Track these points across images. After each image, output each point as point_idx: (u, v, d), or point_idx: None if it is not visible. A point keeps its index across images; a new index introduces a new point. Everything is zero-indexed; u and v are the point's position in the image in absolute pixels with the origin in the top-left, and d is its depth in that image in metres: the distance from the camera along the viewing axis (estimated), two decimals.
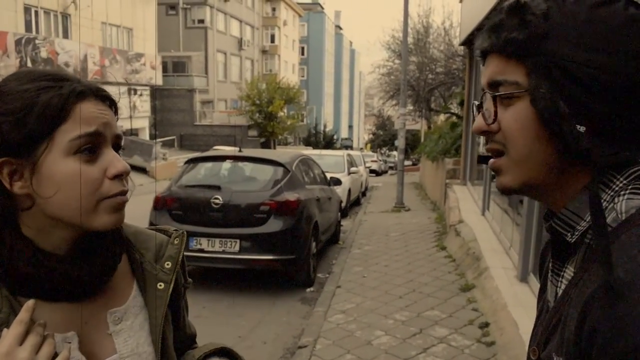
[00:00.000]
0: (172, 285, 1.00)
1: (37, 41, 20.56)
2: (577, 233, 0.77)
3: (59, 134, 0.80)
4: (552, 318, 0.81)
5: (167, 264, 1.01)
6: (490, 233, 7.27)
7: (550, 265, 0.88)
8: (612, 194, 0.74)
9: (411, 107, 26.66)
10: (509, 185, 0.82)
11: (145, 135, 28.68)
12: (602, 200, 0.73)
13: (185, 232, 1.08)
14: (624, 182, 0.74)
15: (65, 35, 23.18)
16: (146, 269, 0.99)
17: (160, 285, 0.99)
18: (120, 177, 0.86)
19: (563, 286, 0.82)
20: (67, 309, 0.85)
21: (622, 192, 0.73)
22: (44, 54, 20.74)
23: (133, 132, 27.01)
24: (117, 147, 0.88)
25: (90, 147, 0.83)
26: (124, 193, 0.87)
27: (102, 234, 0.89)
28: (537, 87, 0.73)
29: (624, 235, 0.69)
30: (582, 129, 0.71)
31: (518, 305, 4.54)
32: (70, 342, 0.84)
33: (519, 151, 0.78)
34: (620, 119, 0.72)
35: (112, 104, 0.90)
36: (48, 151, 0.80)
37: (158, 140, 27.65)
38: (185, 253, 1.10)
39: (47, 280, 0.82)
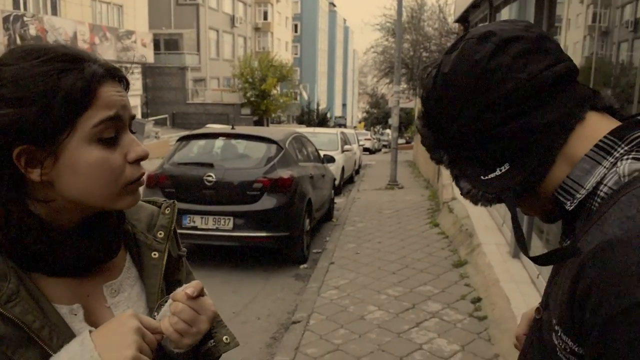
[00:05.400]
0: (166, 255, 0.99)
1: (25, 18, 20.25)
2: (575, 201, 0.78)
3: (82, 120, 0.77)
4: (551, 280, 0.82)
5: (160, 234, 1.01)
6: (483, 210, 7.30)
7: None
8: (612, 160, 0.75)
9: (405, 85, 26.57)
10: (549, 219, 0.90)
11: (137, 114, 28.43)
12: (602, 167, 0.75)
13: (175, 202, 1.07)
14: (625, 148, 0.75)
15: (54, 12, 22.82)
16: (139, 239, 0.99)
17: (154, 255, 0.98)
18: (140, 161, 0.85)
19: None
20: (69, 283, 0.85)
21: (624, 157, 0.74)
22: (32, 31, 20.45)
23: (132, 131, 26.92)
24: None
25: (113, 134, 0.81)
26: (143, 176, 0.87)
27: (108, 211, 0.89)
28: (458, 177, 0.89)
29: (624, 197, 0.70)
30: (505, 167, 0.81)
31: (510, 281, 4.59)
32: (76, 314, 0.84)
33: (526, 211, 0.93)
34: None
35: (126, 85, 0.87)
36: (70, 138, 0.77)
37: (150, 118, 27.44)
38: (179, 231, 1.09)
39: (55, 256, 0.81)
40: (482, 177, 0.83)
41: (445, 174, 10.11)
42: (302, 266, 6.31)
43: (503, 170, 0.81)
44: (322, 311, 4.69)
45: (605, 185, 0.74)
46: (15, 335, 0.74)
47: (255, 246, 6.24)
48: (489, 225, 6.54)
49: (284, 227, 5.89)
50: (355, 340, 4.07)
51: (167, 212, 1.04)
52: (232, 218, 5.78)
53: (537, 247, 4.68)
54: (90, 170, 0.79)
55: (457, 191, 8.49)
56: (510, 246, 5.36)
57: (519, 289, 4.39)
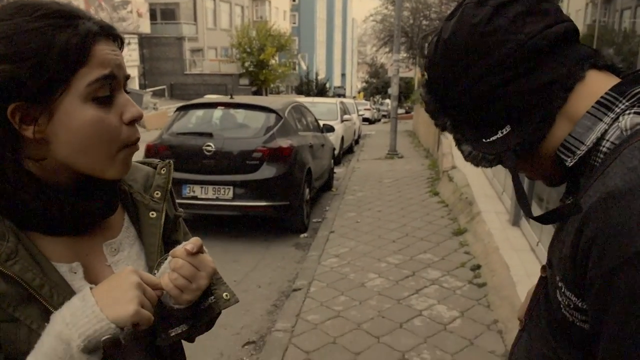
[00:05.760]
0: (163, 214, 1.00)
1: None
2: (576, 157, 0.78)
3: (76, 78, 0.76)
4: (555, 238, 0.81)
5: (157, 194, 1.01)
6: (483, 178, 7.31)
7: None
8: (613, 116, 0.75)
9: (405, 54, 26.30)
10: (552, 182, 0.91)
11: (134, 85, 28.25)
12: (603, 123, 0.75)
13: (171, 162, 1.08)
14: (627, 103, 0.75)
15: None
16: (136, 199, 0.99)
17: (152, 214, 0.99)
18: (135, 122, 0.84)
19: None
20: (68, 241, 0.85)
21: (626, 112, 0.74)
22: None
23: (126, 90, 26.75)
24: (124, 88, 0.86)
25: (108, 93, 0.80)
26: (138, 140, 0.86)
27: None
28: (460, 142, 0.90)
29: (626, 150, 0.70)
30: (506, 129, 0.82)
31: (510, 249, 4.61)
32: (76, 272, 0.84)
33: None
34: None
35: (120, 43, 0.86)
36: (65, 96, 0.76)
37: (148, 90, 27.24)
38: (179, 201, 1.09)
39: (53, 214, 0.81)
40: (483, 140, 0.84)
41: (446, 142, 10.08)
42: (302, 235, 6.33)
43: (504, 133, 0.82)
44: (322, 279, 4.72)
45: (608, 140, 0.74)
46: (16, 293, 0.75)
47: (255, 215, 6.25)
48: (489, 193, 6.54)
49: (283, 196, 5.89)
50: (355, 307, 4.10)
51: (162, 172, 1.05)
52: (231, 187, 5.78)
53: (537, 214, 4.67)
54: (85, 129, 0.78)
55: (457, 160, 8.51)
56: (510, 214, 5.37)
57: (518, 256, 4.41)
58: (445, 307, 4.07)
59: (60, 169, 0.82)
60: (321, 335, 3.65)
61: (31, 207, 0.79)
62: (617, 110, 0.75)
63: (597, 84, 0.79)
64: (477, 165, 0.89)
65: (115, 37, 0.84)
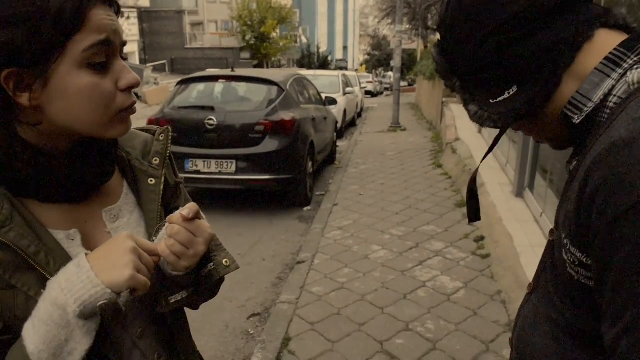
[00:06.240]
0: (162, 181, 0.99)
1: None
2: (583, 114, 0.77)
3: (72, 43, 0.74)
4: (562, 199, 0.81)
5: (155, 160, 1.00)
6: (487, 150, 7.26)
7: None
8: (621, 71, 0.75)
9: (407, 26, 25.98)
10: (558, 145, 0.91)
11: (134, 60, 28.04)
12: (610, 79, 0.75)
13: (169, 128, 1.07)
14: (635, 58, 0.75)
15: None
16: (135, 165, 0.98)
17: (151, 181, 0.98)
18: (131, 89, 0.84)
19: (572, 167, 0.82)
20: (65, 209, 0.85)
21: (634, 67, 0.74)
22: None
23: (123, 57, 26.47)
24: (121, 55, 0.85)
25: (104, 59, 0.79)
26: (133, 104, 0.86)
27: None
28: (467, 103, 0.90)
29: (632, 102, 0.69)
30: (513, 89, 0.81)
31: (513, 220, 4.60)
32: (73, 239, 0.84)
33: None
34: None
35: (117, 9, 0.84)
36: (60, 62, 0.74)
37: (148, 64, 27.04)
38: (182, 175, 1.08)
39: (47, 181, 0.80)
40: (490, 101, 0.84)
41: (449, 115, 10.02)
42: (305, 208, 6.34)
43: (511, 93, 0.82)
44: (326, 251, 4.74)
45: (615, 95, 0.74)
46: (12, 260, 0.75)
47: (258, 189, 6.25)
48: (493, 165, 6.52)
49: (286, 169, 5.88)
50: (359, 279, 4.12)
51: (161, 138, 1.04)
52: (234, 161, 5.76)
53: (541, 186, 4.66)
54: (80, 95, 0.77)
55: (460, 132, 8.46)
56: (513, 185, 5.35)
57: (522, 227, 4.41)
58: (449, 278, 4.08)
59: (55, 134, 0.81)
60: (325, 307, 3.67)
61: (25, 174, 0.78)
62: (625, 65, 0.74)
63: (606, 42, 0.78)
64: (482, 125, 0.89)
65: (111, 3, 0.82)
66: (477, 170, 1.05)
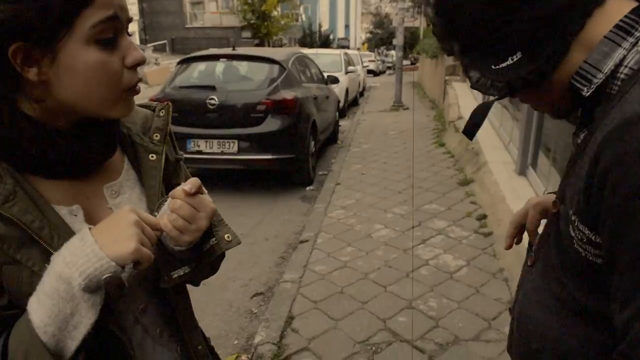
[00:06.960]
0: (163, 157, 0.99)
1: None
2: (593, 86, 0.74)
3: (80, 19, 0.74)
4: (568, 172, 0.79)
5: (156, 136, 1.00)
6: (490, 128, 7.23)
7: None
8: (633, 40, 0.71)
9: (410, 3, 25.63)
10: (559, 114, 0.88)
11: (135, 40, 27.78)
12: (622, 48, 0.71)
13: (169, 103, 1.06)
14: None
15: None
16: (135, 141, 0.98)
17: (152, 157, 0.97)
18: (137, 66, 0.83)
19: (579, 140, 0.79)
20: (67, 185, 0.85)
21: None
22: None
23: (128, 34, 26.43)
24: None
25: (111, 35, 0.78)
26: (139, 81, 0.85)
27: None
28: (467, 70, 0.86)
29: None
30: (517, 55, 0.77)
31: (516, 198, 4.59)
32: (76, 215, 0.84)
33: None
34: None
35: None
36: (68, 38, 0.74)
37: (149, 45, 26.85)
38: (184, 155, 1.08)
39: (50, 158, 0.81)
40: (492, 67, 0.80)
41: (452, 93, 9.95)
42: (308, 188, 6.34)
43: (515, 60, 0.77)
44: (329, 230, 4.75)
45: (626, 66, 0.70)
46: (16, 235, 0.75)
47: (261, 169, 6.24)
48: (496, 144, 6.49)
49: (288, 148, 5.86)
50: (362, 257, 4.13)
51: (161, 114, 1.03)
52: (236, 141, 5.75)
53: (544, 164, 4.64)
54: (88, 72, 0.77)
55: (463, 110, 8.40)
56: (516, 164, 5.33)
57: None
58: (451, 256, 4.09)
59: (59, 110, 0.81)
60: (328, 286, 3.69)
61: (28, 150, 0.78)
62: (637, 34, 0.71)
63: (617, 8, 0.74)
64: (485, 93, 0.86)
65: None
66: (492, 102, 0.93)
